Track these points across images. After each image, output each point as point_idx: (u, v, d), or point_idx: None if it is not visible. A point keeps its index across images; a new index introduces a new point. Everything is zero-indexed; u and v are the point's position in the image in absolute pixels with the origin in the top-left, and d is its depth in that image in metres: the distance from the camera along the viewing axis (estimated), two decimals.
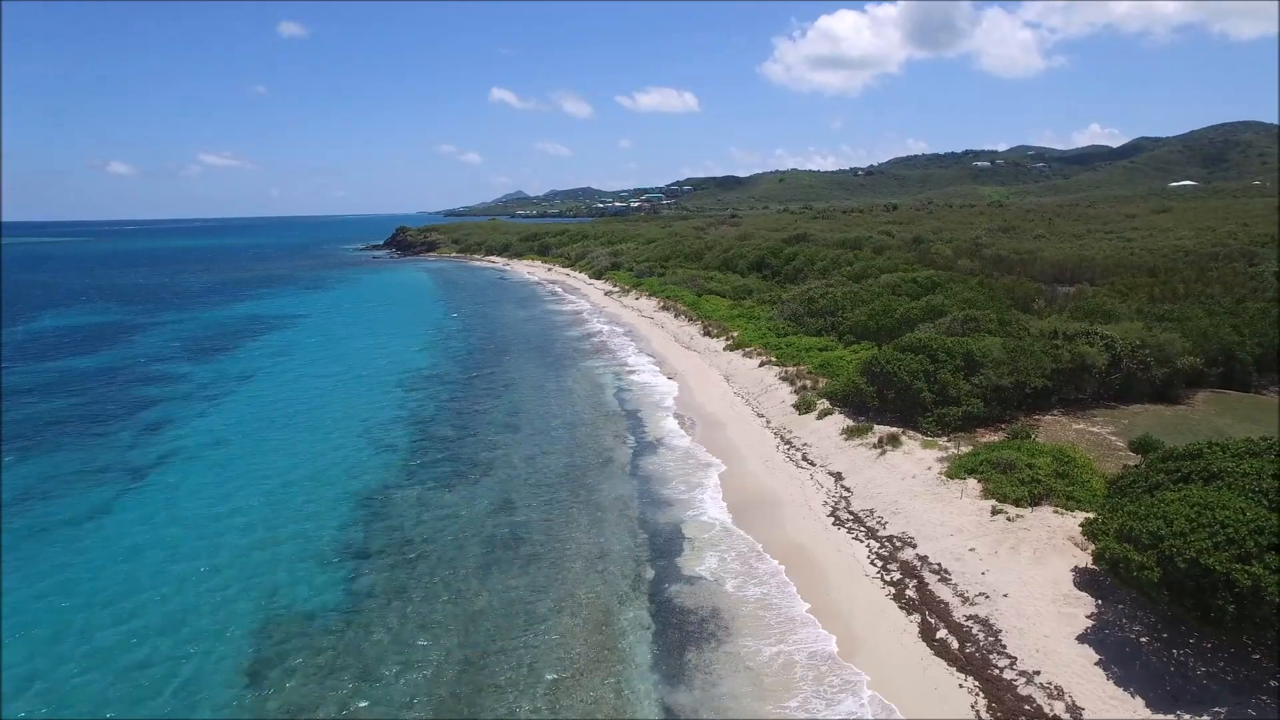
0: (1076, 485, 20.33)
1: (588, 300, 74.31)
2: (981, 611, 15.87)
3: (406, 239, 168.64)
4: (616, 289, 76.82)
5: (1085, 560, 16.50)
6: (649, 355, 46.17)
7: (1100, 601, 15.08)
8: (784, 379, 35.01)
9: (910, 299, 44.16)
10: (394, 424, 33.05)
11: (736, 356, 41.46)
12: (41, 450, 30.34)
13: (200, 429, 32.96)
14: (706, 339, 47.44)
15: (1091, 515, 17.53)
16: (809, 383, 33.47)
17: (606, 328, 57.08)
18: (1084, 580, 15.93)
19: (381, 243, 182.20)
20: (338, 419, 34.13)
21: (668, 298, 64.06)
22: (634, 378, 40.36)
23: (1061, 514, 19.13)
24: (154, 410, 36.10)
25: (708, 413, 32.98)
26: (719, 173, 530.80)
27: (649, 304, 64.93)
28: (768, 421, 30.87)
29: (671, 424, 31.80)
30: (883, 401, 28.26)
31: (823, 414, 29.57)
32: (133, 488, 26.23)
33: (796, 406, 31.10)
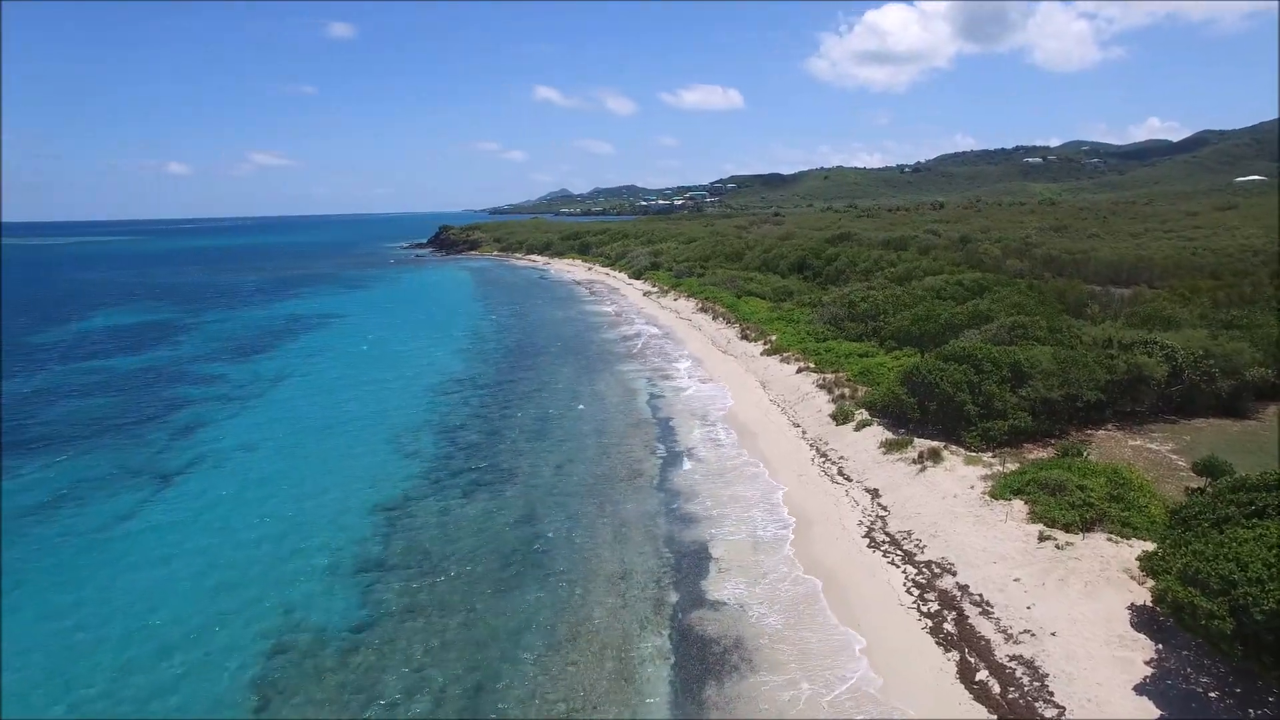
0: (1133, 510, 18.90)
1: (626, 301, 73.57)
2: (1026, 652, 14.65)
3: (449, 238, 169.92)
4: (655, 289, 75.95)
5: (1144, 596, 15.16)
6: (685, 359, 45.21)
7: (1161, 646, 13.77)
8: (822, 386, 33.77)
9: (955, 303, 42.53)
10: (423, 429, 32.64)
11: (774, 362, 40.27)
12: (78, 451, 30.60)
13: (231, 432, 32.95)
14: (744, 343, 46.30)
15: (1151, 547, 16.15)
16: (847, 391, 32.21)
17: (643, 330, 56.24)
18: (1142, 620, 14.61)
19: (424, 241, 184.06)
20: (368, 423, 33.85)
21: (706, 299, 62.98)
22: (668, 383, 39.44)
23: (1116, 542, 17.75)
24: (188, 411, 36.28)
25: (742, 421, 31.93)
26: (762, 170, 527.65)
27: (687, 305, 63.94)
28: (803, 432, 29.71)
29: (704, 434, 30.81)
30: (924, 413, 26.93)
31: (861, 425, 28.32)
32: (160, 494, 26.16)
33: (834, 416, 29.87)
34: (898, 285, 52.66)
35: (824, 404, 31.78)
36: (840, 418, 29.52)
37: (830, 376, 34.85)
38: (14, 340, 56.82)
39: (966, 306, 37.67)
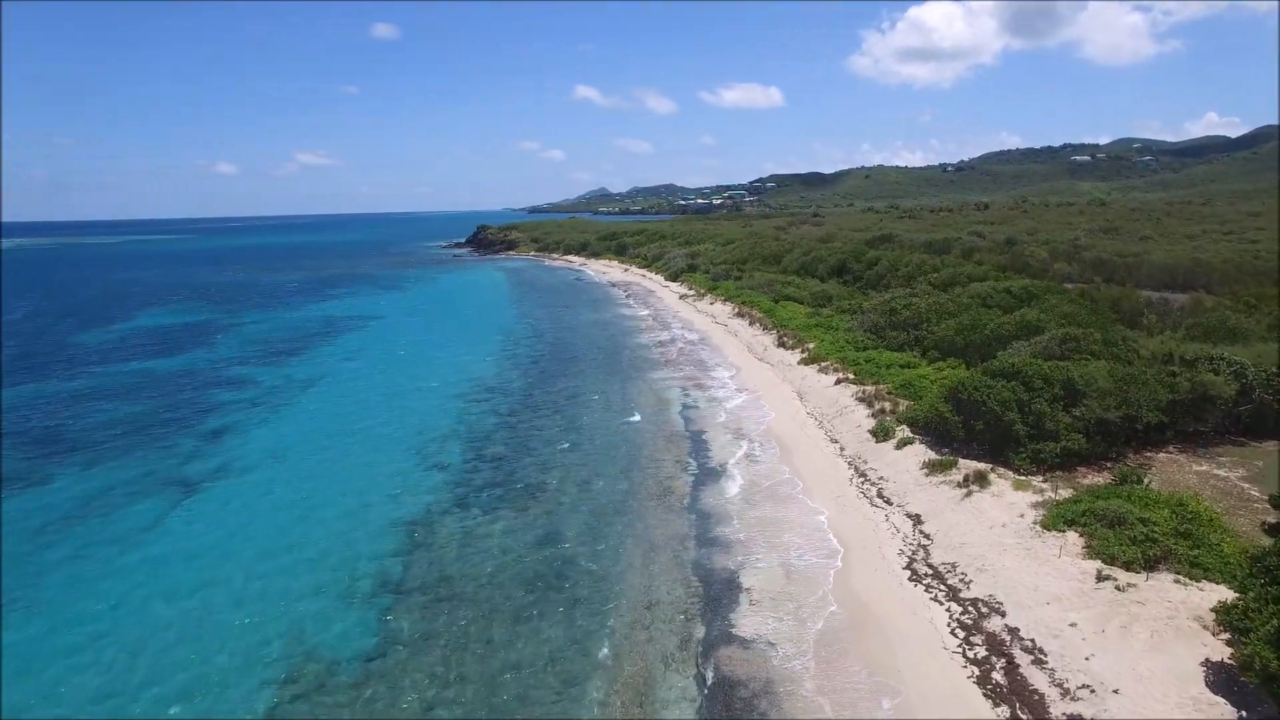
0: (1203, 548, 17.41)
1: (661, 304, 72.59)
2: (1086, 711, 13.37)
3: (487, 237, 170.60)
4: (692, 292, 74.83)
5: (1220, 652, 13.79)
6: (720, 367, 44.10)
7: (1244, 714, 12.40)
8: (861, 400, 32.46)
9: (1002, 312, 40.86)
10: (450, 439, 32.07)
11: (811, 372, 38.99)
12: (109, 457, 30.61)
13: (260, 439, 32.73)
14: (781, 350, 45.04)
15: (1226, 594, 14.74)
16: (888, 405, 30.87)
17: (679, 335, 55.22)
18: (1219, 681, 13.24)
19: (463, 241, 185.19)
20: (395, 432, 33.42)
21: (743, 303, 61.74)
22: (701, 393, 38.39)
23: (1185, 585, 16.32)
24: (218, 417, 36.20)
25: (777, 435, 30.77)
26: (802, 168, 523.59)
27: (724, 309, 62.74)
28: (841, 449, 28.48)
29: (738, 449, 29.71)
30: (969, 433, 25.54)
31: (902, 443, 27.00)
32: (185, 504, 25.89)
33: (874, 433, 28.58)
34: (941, 291, 51.00)
35: (863, 419, 30.49)
36: (880, 434, 28.23)
37: (870, 389, 33.52)
38: (60, 341, 57.83)
39: (1014, 316, 36.00)
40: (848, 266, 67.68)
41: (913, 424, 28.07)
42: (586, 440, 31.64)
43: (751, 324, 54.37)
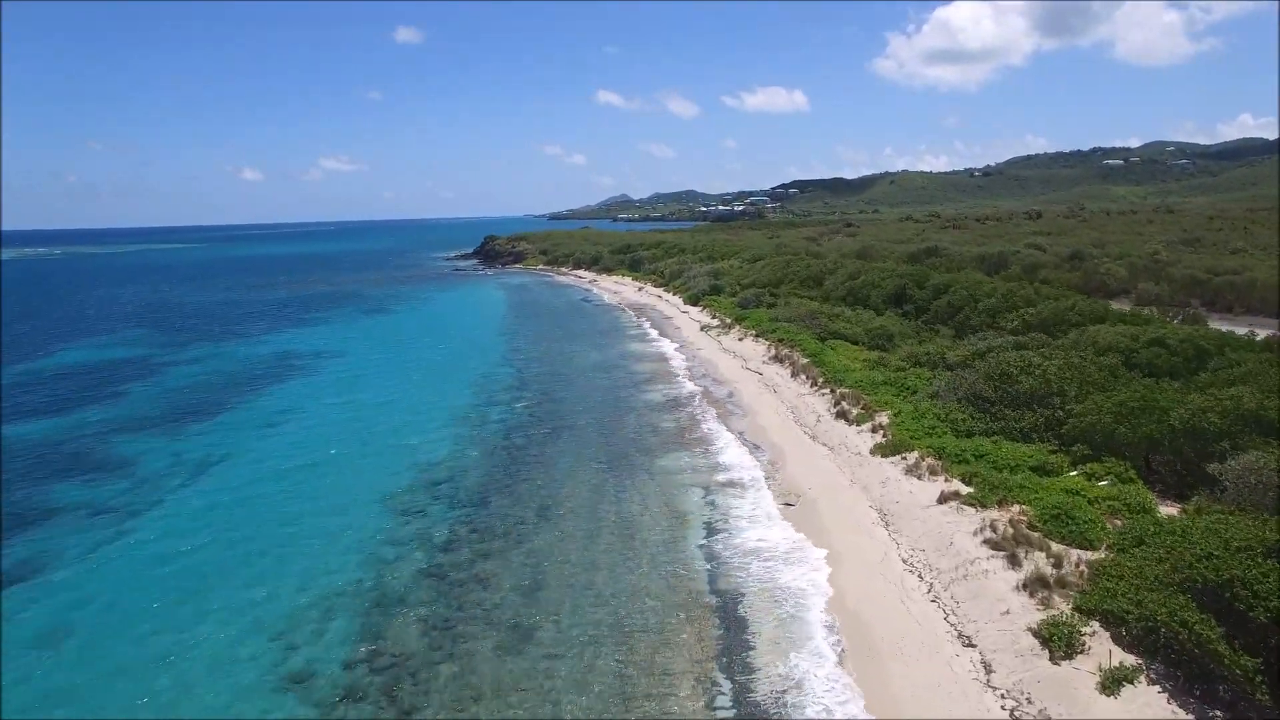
0: None
1: (680, 336, 60.56)
2: None
3: (495, 248, 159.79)
4: (716, 322, 62.70)
5: None
6: (756, 447, 32.02)
7: None
8: (996, 546, 20.15)
9: (1169, 379, 28.64)
10: (337, 609, 20.18)
11: (894, 470, 26.80)
12: None
13: (95, 571, 21.31)
14: (842, 424, 32.85)
15: None
16: (1049, 567, 18.57)
17: (699, 388, 43.14)
18: None
19: (471, 251, 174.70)
20: (270, 572, 21.77)
21: (780, 340, 49.64)
22: (733, 504, 26.24)
23: None
24: (63, 521, 24.90)
25: (862, 625, 18.42)
26: (824, 172, 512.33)
27: (756, 349, 50.61)
28: (988, 678, 16.07)
29: (795, 656, 17.48)
30: (1250, 677, 13.27)
31: (1113, 682, 14.68)
32: None
33: (1046, 639, 16.17)
34: (1046, 335, 38.74)
35: (1009, 591, 18.19)
36: (1059, 645, 15.88)
37: (1000, 518, 21.31)
38: None
39: (1219, 399, 23.48)
40: (907, 293, 55.30)
41: (1113, 623, 15.85)
42: (547, 612, 19.51)
43: (795, 374, 42.19)
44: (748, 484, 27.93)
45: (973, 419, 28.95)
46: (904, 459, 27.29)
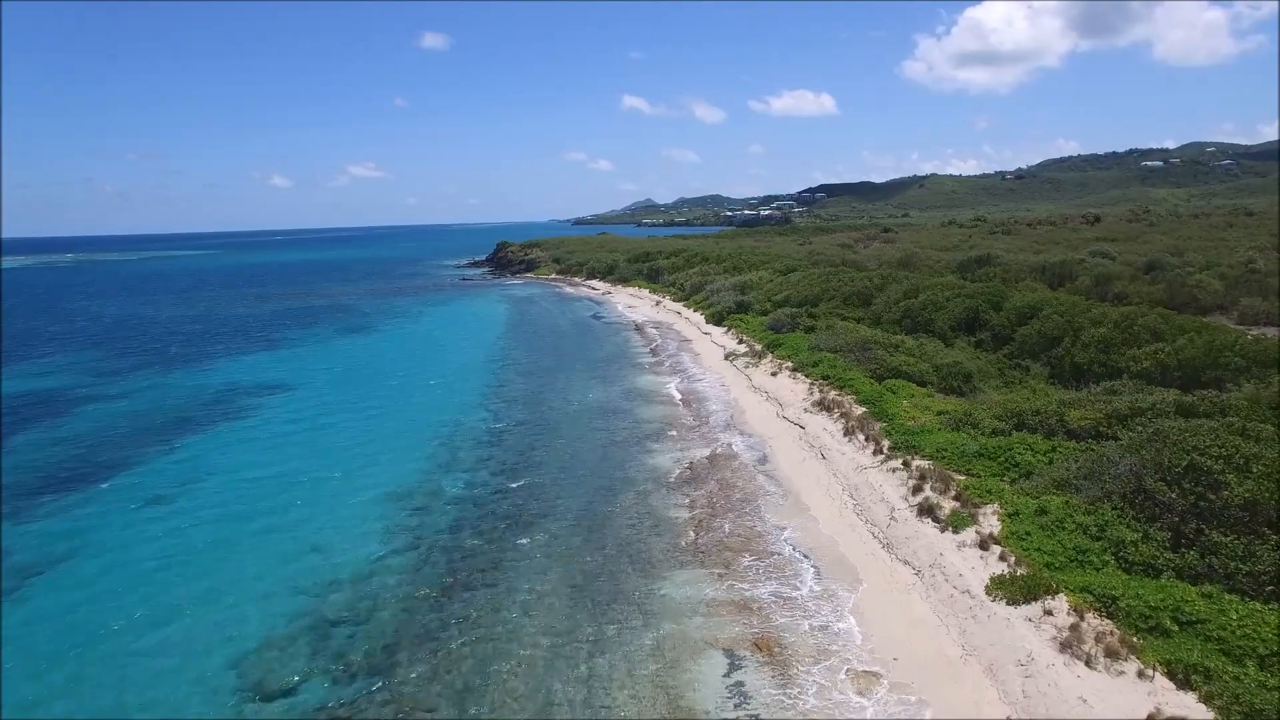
0: None
1: (700, 367, 50.57)
2: None
3: (506, 256, 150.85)
4: (743, 348, 52.57)
5: None
6: (809, 558, 22.00)
7: None
8: None
9: None
10: None
11: (1036, 638, 16.58)
12: None
13: None
14: (928, 524, 22.67)
15: None
16: None
17: (724, 448, 33.14)
18: None
19: (483, 258, 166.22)
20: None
21: (824, 378, 39.56)
22: (779, 695, 16.21)
23: None
24: None
25: None
26: (849, 177, 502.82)
27: (794, 388, 40.47)
28: None
29: None
30: None
31: None
32: None
33: None
34: (1184, 378, 28.46)
35: None
36: None
37: None
38: None
39: None
40: (982, 317, 44.84)
41: None
42: None
43: (849, 429, 32.03)
44: (801, 651, 17.83)
45: (1145, 539, 18.67)
46: (1047, 612, 17.13)
